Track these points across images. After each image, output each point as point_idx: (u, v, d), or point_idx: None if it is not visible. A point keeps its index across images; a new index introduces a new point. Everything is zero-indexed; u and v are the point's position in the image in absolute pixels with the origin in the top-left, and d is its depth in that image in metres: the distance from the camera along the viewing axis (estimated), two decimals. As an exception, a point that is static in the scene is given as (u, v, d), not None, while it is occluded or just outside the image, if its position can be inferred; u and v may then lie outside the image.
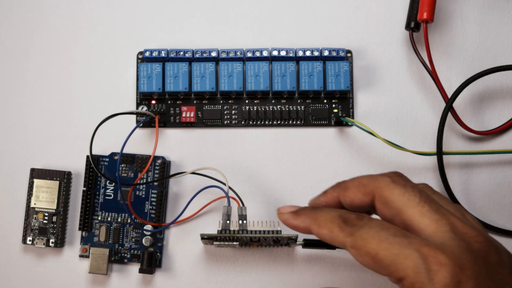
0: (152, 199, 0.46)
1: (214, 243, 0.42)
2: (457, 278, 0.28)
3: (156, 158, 0.46)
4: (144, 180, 0.46)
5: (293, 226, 0.35)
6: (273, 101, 0.47)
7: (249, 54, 0.46)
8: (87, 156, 0.45)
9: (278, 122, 0.47)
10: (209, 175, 0.45)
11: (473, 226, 0.31)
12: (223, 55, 0.46)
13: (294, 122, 0.47)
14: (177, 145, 0.47)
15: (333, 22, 0.48)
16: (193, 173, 0.44)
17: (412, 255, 0.29)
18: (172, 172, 0.46)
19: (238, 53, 0.46)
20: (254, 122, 0.47)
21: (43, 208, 0.45)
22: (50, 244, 0.45)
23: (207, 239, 0.41)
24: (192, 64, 0.46)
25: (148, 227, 0.45)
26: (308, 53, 0.46)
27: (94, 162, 0.45)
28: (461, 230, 0.30)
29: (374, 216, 0.34)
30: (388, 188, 0.32)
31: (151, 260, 0.45)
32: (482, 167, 0.47)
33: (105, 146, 0.46)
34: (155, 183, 0.46)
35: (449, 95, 0.45)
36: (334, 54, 0.46)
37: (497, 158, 0.47)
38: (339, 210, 0.34)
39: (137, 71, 0.47)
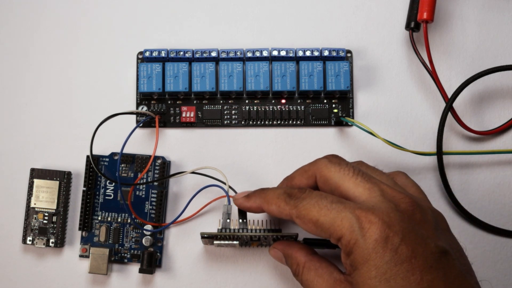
0: (152, 199, 0.46)
1: (214, 242, 0.42)
2: (386, 234, 0.32)
3: (156, 158, 0.46)
4: (144, 180, 0.46)
5: (247, 208, 0.40)
6: (273, 101, 0.47)
7: (249, 54, 0.46)
8: (87, 156, 0.45)
9: (278, 122, 0.47)
10: (209, 175, 0.45)
11: (401, 191, 0.35)
12: (223, 55, 0.46)
13: (294, 122, 0.47)
14: (177, 145, 0.47)
15: (333, 22, 0.48)
16: (193, 172, 0.44)
17: (347, 217, 0.33)
18: (172, 172, 0.46)
19: (238, 53, 0.46)
20: (254, 122, 0.47)
21: (43, 208, 0.45)
22: (50, 244, 0.45)
23: (207, 238, 0.41)
24: (192, 64, 0.46)
25: (148, 227, 0.45)
26: (308, 53, 0.46)
27: (94, 162, 0.45)
28: (390, 194, 0.35)
29: None
30: (326, 168, 0.37)
31: (151, 260, 0.45)
32: (482, 167, 0.47)
33: (105, 146, 0.46)
34: (155, 183, 0.46)
35: (449, 95, 0.45)
36: (334, 54, 0.46)
37: (497, 158, 0.47)
38: (284, 187, 0.39)
39: (137, 71, 0.47)
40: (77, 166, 0.47)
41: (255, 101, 0.47)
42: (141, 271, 0.44)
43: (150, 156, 0.45)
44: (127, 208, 0.45)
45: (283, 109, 0.47)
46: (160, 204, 0.45)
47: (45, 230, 0.45)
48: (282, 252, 0.40)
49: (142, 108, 0.47)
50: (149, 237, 0.45)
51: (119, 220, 0.46)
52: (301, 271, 0.38)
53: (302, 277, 0.38)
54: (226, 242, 0.42)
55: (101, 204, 0.46)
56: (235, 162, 0.47)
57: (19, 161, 0.47)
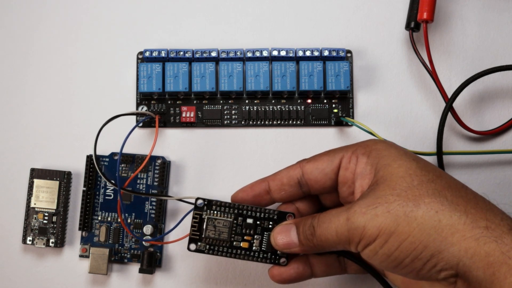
0: (152, 199, 0.46)
1: (206, 217, 0.40)
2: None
3: (156, 158, 0.46)
4: (144, 180, 0.46)
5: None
6: (273, 101, 0.47)
7: (249, 54, 0.46)
8: (87, 156, 0.45)
9: (278, 122, 0.47)
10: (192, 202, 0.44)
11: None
12: (223, 55, 0.46)
13: (294, 122, 0.47)
14: (177, 145, 0.47)
15: (333, 22, 0.48)
16: (179, 199, 0.44)
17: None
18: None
19: (238, 53, 0.46)
20: (254, 122, 0.47)
21: (43, 208, 0.45)
22: (50, 244, 0.45)
23: (204, 206, 0.40)
24: (192, 64, 0.46)
25: (148, 231, 0.45)
26: (308, 53, 0.46)
27: (96, 163, 0.45)
28: None
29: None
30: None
31: (151, 260, 0.45)
32: (482, 167, 0.47)
33: (105, 146, 0.46)
34: (155, 183, 0.46)
35: (449, 95, 0.45)
36: (334, 54, 0.46)
37: (497, 158, 0.47)
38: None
39: (137, 71, 0.47)
40: (77, 166, 0.47)
41: (255, 101, 0.47)
42: (141, 271, 0.44)
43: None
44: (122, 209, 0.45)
45: (283, 109, 0.47)
46: (160, 204, 0.45)
47: (45, 230, 0.45)
48: (287, 225, 0.38)
49: (142, 108, 0.47)
50: (149, 236, 0.45)
51: (119, 220, 0.46)
52: (316, 223, 0.36)
53: (317, 231, 0.36)
54: (219, 218, 0.40)
55: (101, 204, 0.46)
56: (235, 162, 0.47)
57: (19, 161, 0.47)
